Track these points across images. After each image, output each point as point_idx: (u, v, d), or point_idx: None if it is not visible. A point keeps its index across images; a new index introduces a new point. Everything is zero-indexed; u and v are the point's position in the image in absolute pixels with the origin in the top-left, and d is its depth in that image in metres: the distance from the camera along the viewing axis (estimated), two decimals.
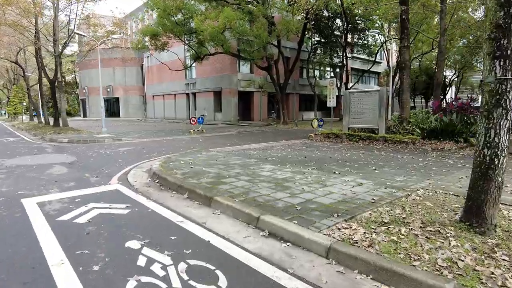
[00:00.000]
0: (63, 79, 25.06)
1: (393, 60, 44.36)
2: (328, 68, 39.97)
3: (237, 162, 8.13)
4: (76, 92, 58.99)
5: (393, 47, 44.75)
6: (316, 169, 7.21)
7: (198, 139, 15.90)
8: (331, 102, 14.79)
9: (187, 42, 24.30)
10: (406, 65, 13.71)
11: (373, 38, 34.35)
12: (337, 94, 40.17)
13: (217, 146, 12.76)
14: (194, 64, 35.08)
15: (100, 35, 24.83)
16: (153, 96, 43.80)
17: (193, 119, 19.07)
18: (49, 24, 24.78)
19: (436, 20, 27.53)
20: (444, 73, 52.28)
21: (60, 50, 21.84)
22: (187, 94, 36.60)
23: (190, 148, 11.92)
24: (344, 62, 33.02)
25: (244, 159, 8.65)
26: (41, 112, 33.71)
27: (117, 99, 47.91)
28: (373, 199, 4.81)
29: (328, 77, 41.53)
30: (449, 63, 47.79)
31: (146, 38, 25.64)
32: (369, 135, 13.07)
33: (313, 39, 32.07)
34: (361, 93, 13.48)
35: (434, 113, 15.56)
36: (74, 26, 21.69)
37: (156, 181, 6.54)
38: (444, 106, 16.54)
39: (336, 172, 6.79)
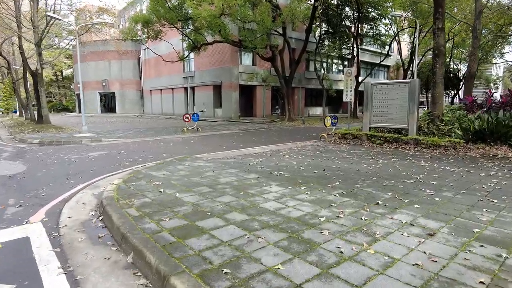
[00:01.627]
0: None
1: (404, 52, 41.67)
2: (335, 61, 37.38)
3: (230, 180, 5.78)
4: (72, 87, 56.91)
5: (405, 38, 42.02)
6: (347, 195, 4.85)
7: (190, 139, 13.56)
8: (348, 96, 12.36)
9: (181, 30, 21.85)
10: (441, 52, 11.25)
11: (386, 27, 31.65)
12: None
13: (211, 149, 10.43)
14: (192, 56, 32.68)
15: (83, 23, 22.44)
16: (151, 90, 41.46)
17: (187, 115, 16.72)
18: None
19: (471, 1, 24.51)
20: (458, 66, 49.64)
21: (39, 38, 19.48)
22: (185, 89, 34.22)
23: (175, 153, 9.58)
24: (355, 53, 30.45)
25: (240, 174, 6.30)
26: (28, 108, 31.40)
27: (114, 93, 45.62)
28: (481, 283, 2.46)
29: (336, 70, 38.96)
30: (463, 56, 45.11)
31: (138, 27, 23.29)
32: (396, 137, 10.66)
33: (321, 29, 29.47)
34: (386, 86, 11.06)
35: (468, 110, 13.12)
36: (53, 10, 19.33)
37: (100, 217, 4.22)
38: (480, 102, 14.09)
39: (380, 203, 4.42)
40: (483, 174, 6.38)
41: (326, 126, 13.02)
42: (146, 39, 24.48)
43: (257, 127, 19.93)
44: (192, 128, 17.24)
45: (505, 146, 9.32)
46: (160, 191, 4.94)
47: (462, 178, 6.02)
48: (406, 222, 3.71)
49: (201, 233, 3.36)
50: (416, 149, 9.92)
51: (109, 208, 4.19)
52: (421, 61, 41.45)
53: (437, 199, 4.65)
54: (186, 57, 23.42)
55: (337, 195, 4.82)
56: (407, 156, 8.65)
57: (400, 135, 10.72)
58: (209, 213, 3.93)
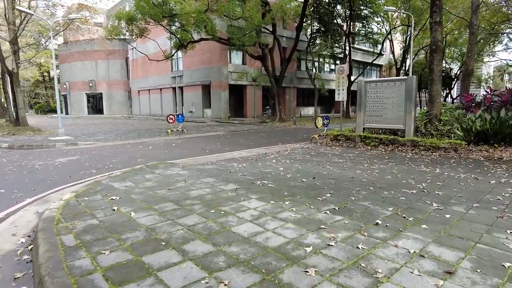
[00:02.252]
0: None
1: (397, 51, 41.20)
2: (327, 60, 36.74)
3: (203, 192, 4.93)
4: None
5: (397, 37, 41.55)
6: (340, 211, 4.04)
7: (172, 142, 12.67)
8: (340, 95, 11.59)
9: (167, 27, 20.92)
10: (438, 47, 10.54)
11: (378, 25, 31.06)
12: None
13: (192, 153, 9.56)
14: (180, 55, 31.76)
15: (60, 19, 21.38)
16: (139, 91, 40.37)
17: (171, 116, 15.81)
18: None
19: None
20: (450, 65, 49.44)
21: (14, 36, 18.37)
22: (174, 89, 33.24)
23: (152, 159, 8.70)
24: (347, 52, 29.81)
25: (217, 184, 5.46)
26: (8, 109, 30.10)
27: (101, 94, 44.35)
28: None
29: (328, 70, 38.32)
30: (456, 55, 44.88)
31: (123, 24, 22.30)
32: (392, 138, 9.92)
33: (312, 27, 28.75)
34: (381, 83, 10.30)
35: (466, 109, 12.46)
36: (29, 6, 18.26)
37: (30, 246, 3.35)
38: (478, 101, 13.44)
39: (380, 223, 3.62)
40: (493, 181, 5.63)
41: (317, 127, 12.25)
42: (132, 38, 23.55)
43: (246, 128, 19.10)
44: (177, 130, 16.33)
45: (510, 148, 8.63)
46: (114, 209, 4.07)
47: (471, 187, 5.26)
48: (414, 252, 2.90)
49: (145, 275, 2.51)
50: (413, 151, 9.18)
51: (41, 234, 3.32)
52: (414, 60, 41.07)
53: (447, 216, 3.87)
54: (172, 55, 22.49)
55: (328, 211, 4.00)
56: (405, 160, 7.89)
57: (396, 137, 9.98)
58: (164, 243, 3.07)
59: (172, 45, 22.93)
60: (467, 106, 12.54)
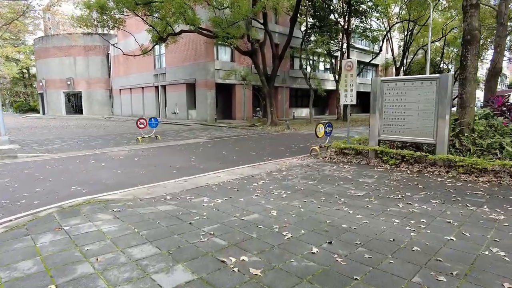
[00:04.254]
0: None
1: (395, 50, 39.13)
2: (322, 59, 34.46)
3: None
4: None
5: (395, 35, 39.45)
6: None
7: (136, 154, 10.12)
8: (348, 97, 9.19)
9: (143, 17, 18.32)
10: (474, 37, 8.23)
11: (378, 21, 28.85)
12: (333, 88, 34.66)
13: (154, 175, 7.05)
14: (163, 51, 29.14)
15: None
16: (120, 90, 37.52)
17: (141, 120, 13.24)
18: None
19: None
20: (448, 65, 47.66)
21: None
22: (156, 87, 30.55)
23: (95, 184, 6.17)
24: (344, 49, 27.55)
25: (151, 268, 3.01)
26: None
27: (80, 93, 41.31)
28: None
29: (323, 69, 36.05)
30: (454, 55, 43.04)
31: (94, 14, 19.64)
32: (418, 156, 7.56)
33: (307, 22, 26.38)
34: (403, 83, 7.94)
35: (500, 115, 10.19)
36: None
37: None
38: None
39: None
40: None
41: (318, 136, 9.84)
42: (105, 30, 20.91)
43: (233, 134, 16.61)
44: (149, 137, 13.77)
45: None
46: None
47: None
48: None
49: None
50: (450, 174, 6.85)
51: None
52: (412, 60, 39.11)
53: None
54: (150, 50, 19.85)
55: None
56: (450, 193, 5.52)
57: (424, 153, 7.63)
58: None
59: (151, 38, 20.28)
60: (499, 111, 10.27)
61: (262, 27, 20.75)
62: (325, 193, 5.50)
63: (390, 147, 8.68)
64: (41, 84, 42.08)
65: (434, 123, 7.47)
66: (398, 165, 7.74)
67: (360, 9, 26.59)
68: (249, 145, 12.28)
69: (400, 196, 5.31)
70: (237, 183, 6.26)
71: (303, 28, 27.15)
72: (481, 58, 38.39)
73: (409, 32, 30.16)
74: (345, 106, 26.69)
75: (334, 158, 8.87)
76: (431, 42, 36.52)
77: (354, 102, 9.13)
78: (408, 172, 7.22)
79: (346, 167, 7.85)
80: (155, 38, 19.54)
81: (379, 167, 7.80)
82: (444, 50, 40.66)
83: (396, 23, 28.05)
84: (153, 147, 11.86)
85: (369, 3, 26.35)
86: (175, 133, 17.15)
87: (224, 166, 8.18)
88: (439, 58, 41.87)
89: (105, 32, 46.72)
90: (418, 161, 7.65)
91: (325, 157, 9.10)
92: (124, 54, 21.68)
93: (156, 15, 18.00)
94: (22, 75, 64.79)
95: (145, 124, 13.36)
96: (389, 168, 7.68)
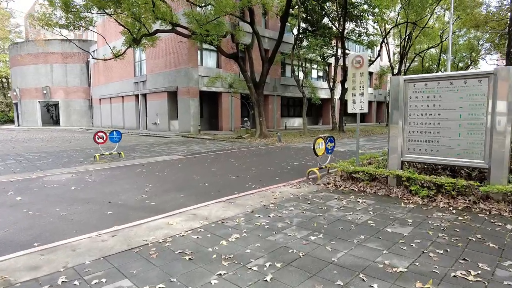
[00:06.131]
0: None
1: (391, 57, 37.42)
2: (315, 65, 32.51)
3: None
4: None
5: (391, 41, 37.83)
6: None
7: (78, 181, 7.67)
8: (357, 104, 6.89)
9: (113, 15, 16.04)
10: None
11: (375, 24, 27.01)
12: (327, 96, 32.55)
13: (76, 221, 4.61)
14: (144, 57, 26.90)
15: None
16: (100, 99, 34.98)
17: (100, 134, 10.81)
18: None
19: None
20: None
21: None
22: (137, 96, 28.13)
23: None
24: (339, 55, 25.59)
25: None
26: None
27: (58, 103, 38.60)
28: None
29: (316, 76, 34.06)
30: (453, 62, 41.61)
31: (58, 13, 17.33)
32: (464, 185, 5.27)
33: (299, 25, 24.38)
34: (437, 83, 5.71)
35: None
36: None
37: None
38: None
39: None
40: None
41: (317, 155, 7.54)
42: (70, 31, 18.56)
43: (215, 148, 14.24)
44: (111, 154, 11.32)
45: None
46: None
47: None
48: None
49: None
50: None
51: None
52: (409, 67, 37.42)
53: None
54: (123, 53, 17.49)
55: None
56: None
57: (470, 181, 5.35)
58: None
59: (124, 40, 17.95)
60: None
61: (250, 30, 18.63)
62: (341, 268, 3.15)
63: (415, 170, 6.41)
64: (15, 93, 39.26)
65: (486, 139, 5.23)
66: (433, 199, 5.45)
67: (355, 12, 24.77)
68: (231, 164, 9.91)
69: (471, 270, 2.99)
70: (195, 241, 3.88)
71: (295, 32, 25.16)
72: None
73: (407, 36, 28.43)
74: (340, 114, 24.60)
75: (340, 186, 6.55)
76: (427, 49, 35.03)
77: (366, 110, 6.85)
78: (452, 210, 4.93)
79: (360, 201, 5.53)
80: (128, 40, 17.25)
81: (406, 200, 5.50)
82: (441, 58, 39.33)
83: (395, 25, 26.20)
84: (109, 167, 9.42)
85: (365, 6, 24.56)
86: (148, 147, 14.71)
87: (187, 200, 5.79)
88: (435, 66, 40.42)
89: (85, 38, 44.39)
90: (462, 193, 5.37)
91: (328, 184, 6.77)
92: (94, 58, 19.30)
93: (126, 12, 15.73)
94: (1, 84, 61.78)
95: (104, 139, 10.92)
96: (420, 202, 5.38)
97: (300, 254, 3.45)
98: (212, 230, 4.20)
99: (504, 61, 36.17)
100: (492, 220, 4.46)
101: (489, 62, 58.94)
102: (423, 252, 3.49)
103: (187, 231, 4.20)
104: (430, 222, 4.44)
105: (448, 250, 3.53)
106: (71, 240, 3.93)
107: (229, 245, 3.73)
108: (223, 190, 6.52)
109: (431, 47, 33.40)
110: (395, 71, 31.12)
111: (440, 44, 34.00)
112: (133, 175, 8.26)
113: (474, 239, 3.81)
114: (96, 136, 10.74)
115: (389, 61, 31.07)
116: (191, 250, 3.62)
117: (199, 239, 3.92)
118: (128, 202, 5.73)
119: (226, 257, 3.41)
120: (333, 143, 8.15)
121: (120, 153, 11.46)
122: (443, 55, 38.42)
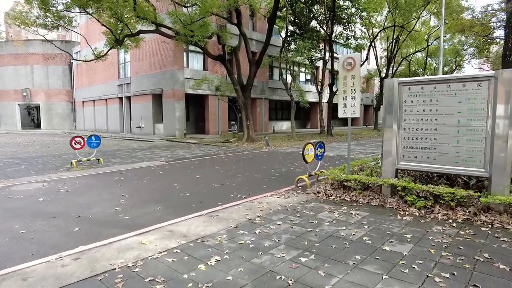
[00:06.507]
0: None
1: (379, 60, 37.57)
2: (303, 69, 32.30)
3: None
4: None
5: (380, 44, 37.99)
6: None
7: (49, 191, 7.06)
8: (349, 107, 6.50)
9: (94, 14, 15.39)
10: None
11: (363, 27, 26.97)
12: (315, 100, 32.23)
13: (35, 241, 4.04)
14: (128, 58, 26.19)
15: None
16: (83, 102, 33.99)
17: (77, 139, 10.18)
18: None
19: None
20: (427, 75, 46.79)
21: None
22: (120, 99, 27.34)
23: None
24: (327, 58, 25.43)
25: None
26: None
27: (38, 106, 37.33)
28: None
29: (304, 80, 33.86)
30: (435, 66, 42.03)
31: (36, 12, 16.61)
32: (463, 196, 4.92)
33: (287, 28, 24.12)
34: (433, 86, 5.37)
35: None
36: None
37: None
38: None
39: None
40: None
41: (306, 162, 7.13)
42: (50, 31, 17.81)
43: (201, 153, 13.72)
44: (89, 160, 10.68)
45: None
46: None
47: None
48: None
49: None
50: None
51: None
52: (396, 70, 37.64)
53: None
54: (105, 54, 16.82)
55: None
56: None
57: (470, 192, 5.01)
58: None
59: (106, 41, 17.28)
60: None
61: (237, 32, 18.21)
62: None
63: (410, 178, 6.06)
64: None
65: (486, 146, 4.90)
66: (430, 210, 5.09)
67: (343, 15, 24.66)
68: (216, 171, 9.42)
69: None
70: (169, 265, 3.39)
71: (283, 35, 24.89)
72: None
73: (394, 40, 28.49)
74: (328, 118, 24.38)
75: (331, 195, 6.14)
76: (413, 53, 35.28)
77: (358, 115, 6.48)
78: (452, 223, 4.57)
79: (353, 213, 5.12)
80: (110, 40, 16.61)
81: (402, 212, 5.12)
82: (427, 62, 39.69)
83: (383, 29, 26.20)
84: (85, 175, 8.80)
85: (352, 9, 24.48)
86: (130, 152, 14.08)
87: (164, 214, 5.28)
88: (422, 70, 40.76)
89: (68, 39, 43.23)
90: (461, 203, 5.02)
91: (319, 193, 6.36)
92: (75, 60, 18.56)
93: (107, 12, 15.11)
94: None
95: (82, 144, 10.29)
96: (417, 214, 5.01)
97: (289, 282, 3.00)
98: (190, 251, 3.72)
99: (488, 65, 36.71)
100: (496, 235, 4.11)
101: (475, 66, 59.96)
102: (427, 276, 3.09)
103: (161, 252, 3.70)
104: (430, 238, 4.05)
105: (455, 273, 3.13)
106: (23, 266, 3.39)
107: (208, 270, 3.25)
108: (206, 201, 6.03)
109: (418, 51, 33.63)
110: (383, 74, 31.18)
111: (427, 48, 34.29)
112: (109, 184, 7.68)
113: (481, 259, 3.43)
114: (73, 141, 10.10)
115: (377, 64, 31.13)
116: (164, 277, 3.13)
117: (174, 263, 3.43)
118: (99, 216, 5.18)
119: (203, 286, 2.93)
120: (323, 149, 7.76)
121: (99, 159, 10.82)
122: (429, 59, 38.81)
